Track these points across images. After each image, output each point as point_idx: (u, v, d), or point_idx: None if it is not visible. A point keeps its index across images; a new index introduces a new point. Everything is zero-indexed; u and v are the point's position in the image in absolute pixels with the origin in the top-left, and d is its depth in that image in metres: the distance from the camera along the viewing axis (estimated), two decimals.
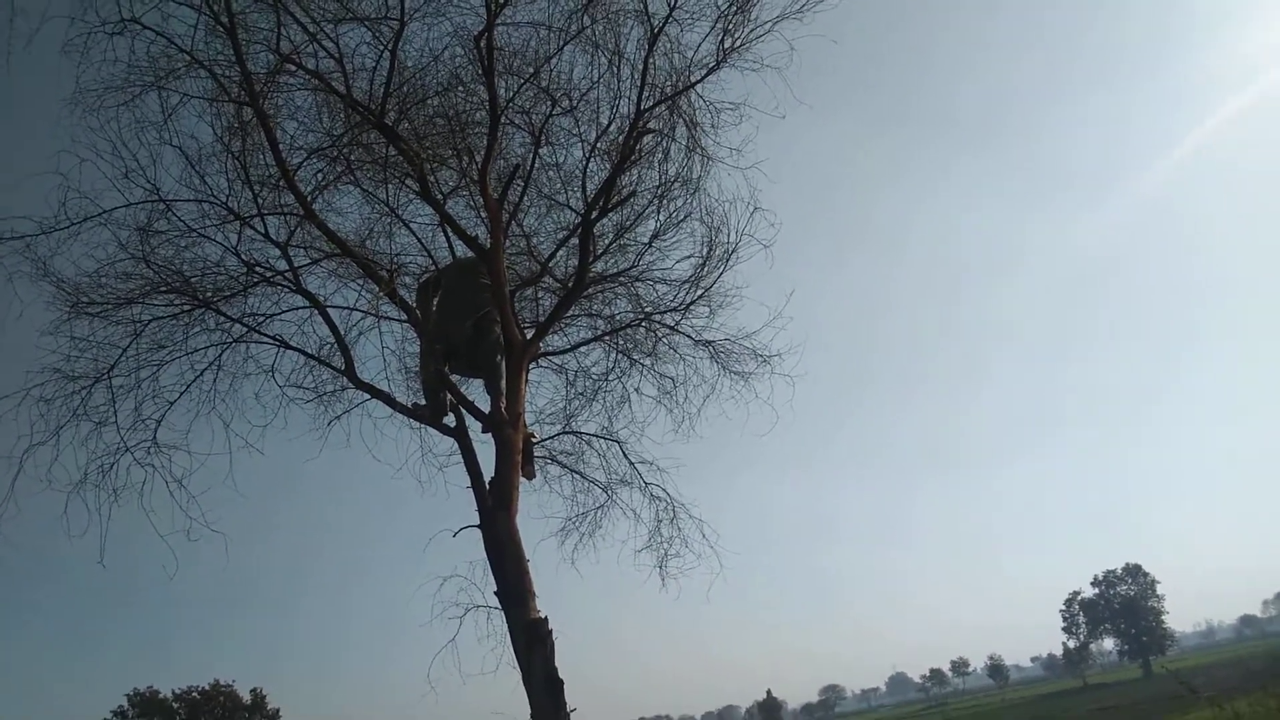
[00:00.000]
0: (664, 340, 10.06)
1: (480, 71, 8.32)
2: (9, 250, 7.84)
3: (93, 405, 8.28)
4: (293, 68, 8.25)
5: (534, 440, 8.92)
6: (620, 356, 10.26)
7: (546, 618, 7.17)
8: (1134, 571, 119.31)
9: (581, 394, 10.36)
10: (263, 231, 8.50)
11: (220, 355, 8.73)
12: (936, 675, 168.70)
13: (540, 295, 10.03)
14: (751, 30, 8.40)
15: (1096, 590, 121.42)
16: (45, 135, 7.97)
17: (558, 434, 10.24)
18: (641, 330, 10.07)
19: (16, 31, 7.04)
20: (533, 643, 7.02)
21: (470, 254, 8.64)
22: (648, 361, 10.19)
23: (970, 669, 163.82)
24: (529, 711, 6.96)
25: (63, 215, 7.89)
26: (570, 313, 9.64)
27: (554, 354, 10.15)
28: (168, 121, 8.05)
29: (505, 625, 7.23)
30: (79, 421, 8.20)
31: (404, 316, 9.04)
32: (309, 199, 8.41)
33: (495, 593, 7.34)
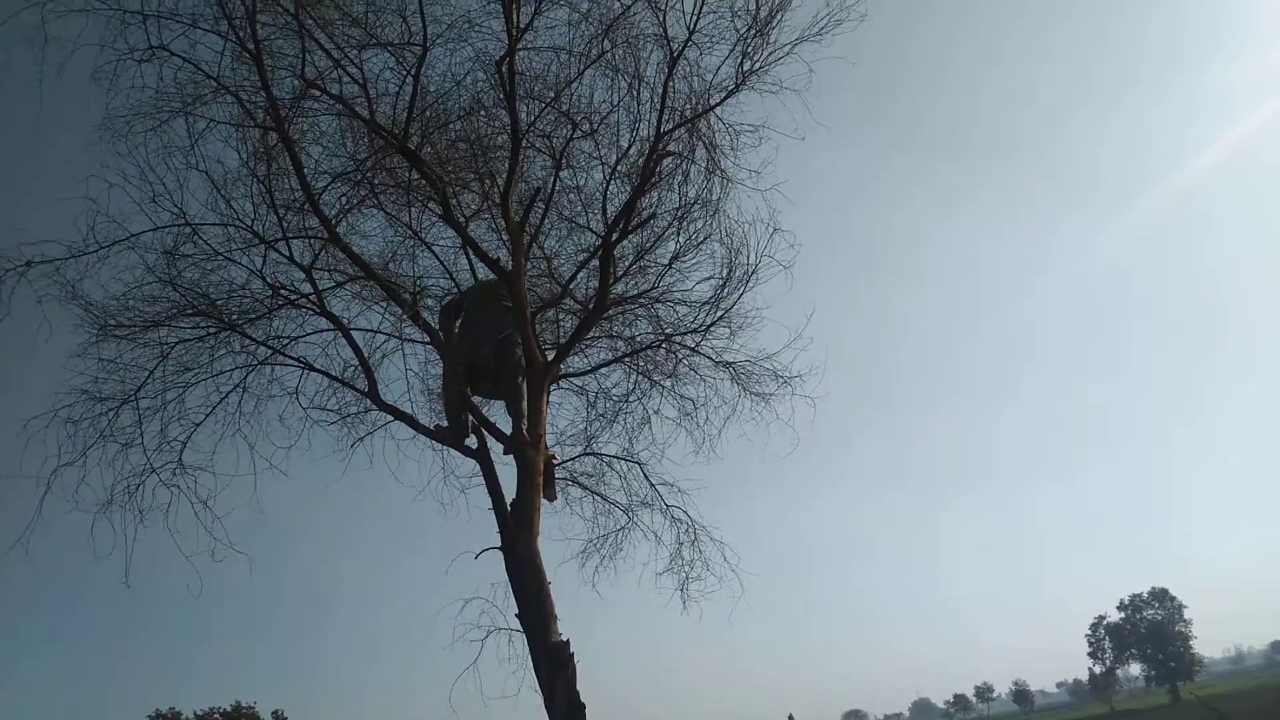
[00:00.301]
0: (684, 362, 10.05)
1: (502, 96, 8.40)
2: (39, 274, 7.95)
3: (119, 426, 8.37)
4: (317, 93, 8.36)
5: (555, 462, 8.92)
6: (641, 378, 10.27)
7: (568, 641, 7.13)
8: (1161, 596, 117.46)
9: (602, 415, 10.36)
10: (287, 255, 8.59)
11: (245, 377, 8.81)
12: (960, 700, 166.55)
13: (561, 317, 10.06)
14: (770, 53, 8.46)
15: (1122, 615, 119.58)
16: (75, 161, 8.12)
17: (579, 455, 10.23)
18: (662, 352, 10.07)
19: (49, 59, 7.19)
20: (554, 666, 6.99)
21: (492, 276, 8.69)
22: (668, 383, 10.19)
23: (995, 694, 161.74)
24: None
25: (91, 239, 8.02)
26: (591, 334, 9.66)
27: (575, 375, 10.16)
28: (194, 146, 8.19)
29: (527, 648, 7.21)
30: (106, 442, 8.30)
31: (427, 339, 9.09)
32: (333, 222, 8.50)
33: (517, 615, 7.32)
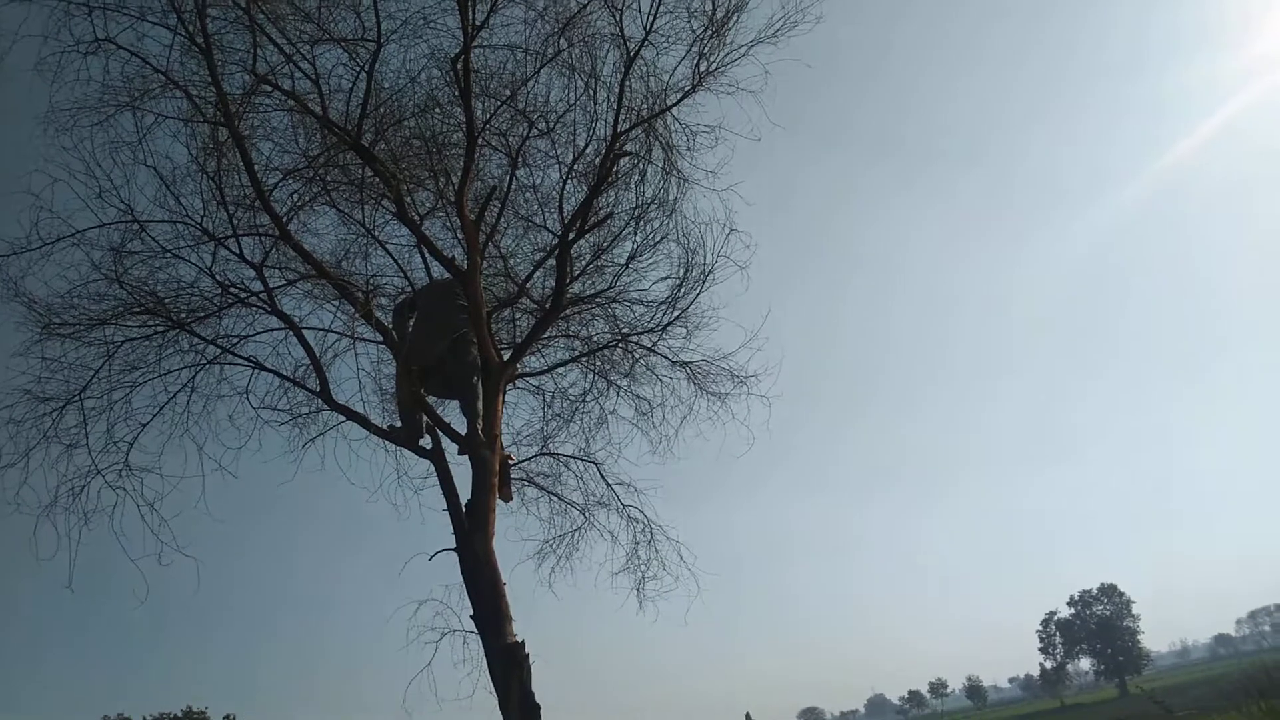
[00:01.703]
0: (641, 361, 10.07)
1: (457, 93, 8.35)
2: None
3: (64, 427, 8.22)
4: (269, 88, 8.26)
5: (511, 462, 8.88)
6: (597, 378, 10.27)
7: (524, 642, 7.11)
8: (1109, 591, 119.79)
9: (559, 415, 10.35)
10: (237, 252, 8.46)
11: (194, 377, 8.67)
12: (915, 697, 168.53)
13: (517, 316, 10.02)
14: (727, 54, 8.50)
15: (1073, 610, 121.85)
16: (17, 154, 7.94)
17: (535, 455, 10.21)
18: (619, 351, 10.08)
19: None
20: (510, 667, 6.96)
21: (447, 275, 8.64)
22: (625, 383, 10.20)
23: (949, 690, 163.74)
24: None
25: (35, 235, 7.86)
26: (547, 334, 9.63)
27: (531, 375, 10.14)
28: (142, 141, 8.04)
29: (482, 649, 7.17)
30: (49, 443, 8.15)
31: (380, 338, 9.00)
32: (284, 220, 8.39)
33: (471, 617, 7.28)
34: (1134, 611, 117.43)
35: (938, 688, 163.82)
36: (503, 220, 9.38)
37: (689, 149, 8.98)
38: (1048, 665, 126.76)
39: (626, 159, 8.98)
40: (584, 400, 10.29)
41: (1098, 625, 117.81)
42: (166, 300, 8.48)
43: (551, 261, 9.07)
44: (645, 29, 8.31)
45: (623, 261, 9.57)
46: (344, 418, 8.62)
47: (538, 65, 8.68)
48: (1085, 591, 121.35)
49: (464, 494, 7.81)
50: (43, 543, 7.89)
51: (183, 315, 8.53)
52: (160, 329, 8.49)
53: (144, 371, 8.53)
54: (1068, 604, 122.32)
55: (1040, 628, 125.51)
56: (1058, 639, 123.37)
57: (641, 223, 9.34)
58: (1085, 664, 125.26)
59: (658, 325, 9.70)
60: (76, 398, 8.26)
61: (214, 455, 8.56)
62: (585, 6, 8.49)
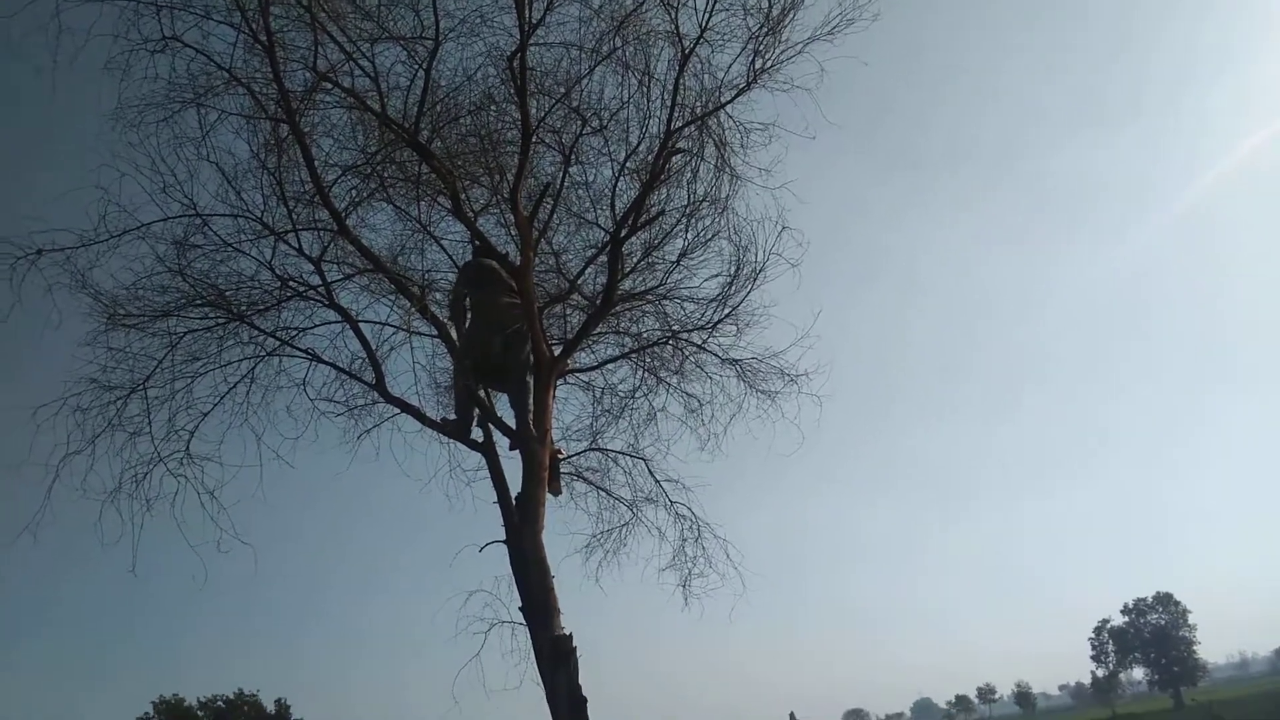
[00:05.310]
0: (691, 358, 10.06)
1: (512, 91, 8.41)
2: (49, 262, 7.97)
3: (128, 416, 8.40)
4: (329, 86, 8.38)
5: (560, 457, 8.93)
6: (647, 374, 10.28)
7: (571, 634, 7.15)
8: (1165, 600, 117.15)
9: (608, 411, 10.38)
10: (297, 247, 8.60)
11: (253, 368, 8.82)
12: (962, 701, 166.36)
13: (568, 312, 10.06)
14: (782, 51, 8.46)
15: (1126, 619, 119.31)
16: (87, 150, 8.14)
17: (584, 451, 10.25)
18: (668, 348, 10.08)
19: (62, 49, 7.22)
20: (557, 660, 7.00)
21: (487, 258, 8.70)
22: (674, 380, 10.19)
23: (997, 696, 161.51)
24: None
25: (102, 228, 8.04)
26: (598, 330, 9.66)
27: (581, 371, 10.18)
28: (205, 138, 8.20)
29: (529, 642, 7.23)
30: (114, 431, 8.33)
31: (435, 332, 9.11)
32: (343, 215, 8.51)
33: (520, 609, 7.34)
34: (1190, 621, 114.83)
35: (986, 693, 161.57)
36: (555, 217, 9.42)
37: (742, 146, 8.96)
38: (1099, 674, 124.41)
39: (679, 156, 8.98)
40: (633, 396, 10.32)
41: (1152, 634, 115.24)
42: (227, 293, 8.64)
43: (603, 258, 9.10)
44: (701, 26, 8.29)
45: (674, 259, 9.57)
46: (399, 410, 8.73)
47: (592, 63, 8.71)
48: (1140, 600, 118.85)
49: (514, 487, 7.88)
50: (108, 528, 8.12)
51: (243, 308, 8.69)
52: (221, 321, 8.65)
53: (205, 362, 8.71)
54: (1121, 612, 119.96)
55: (1093, 635, 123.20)
56: (1110, 647, 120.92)
57: (693, 220, 9.34)
58: (1139, 673, 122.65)
59: (708, 322, 9.68)
60: (140, 387, 8.45)
61: (272, 445, 8.73)
62: (641, 4, 8.51)
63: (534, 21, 8.25)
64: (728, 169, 9.06)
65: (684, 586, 9.89)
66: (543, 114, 8.75)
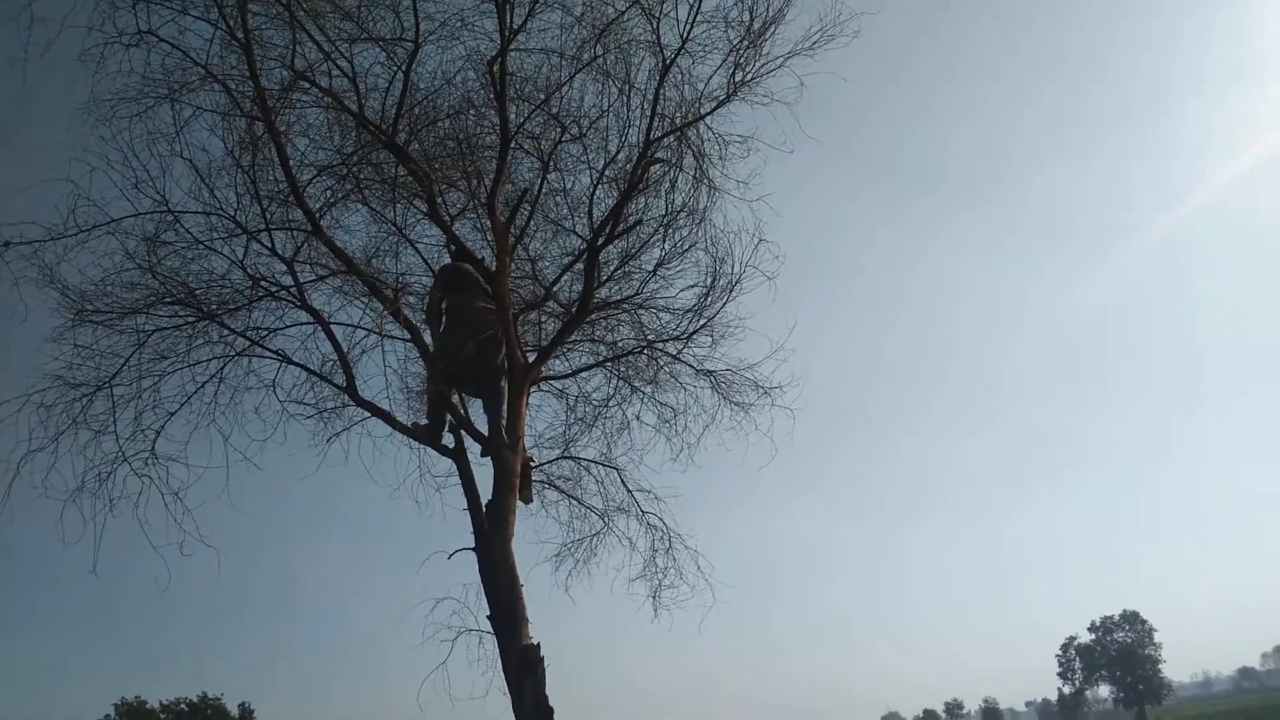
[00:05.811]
0: (665, 368, 10.05)
1: (492, 96, 8.41)
2: (16, 255, 7.89)
3: (93, 413, 8.28)
4: (306, 85, 8.33)
5: (532, 464, 8.89)
6: (621, 383, 10.25)
7: (539, 644, 7.10)
8: (1131, 618, 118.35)
9: (581, 419, 10.34)
10: (269, 246, 8.52)
11: (222, 368, 8.73)
12: (930, 716, 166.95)
13: (543, 319, 10.04)
14: (763, 65, 8.49)
15: (1093, 636, 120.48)
16: (57, 143, 8.04)
17: (556, 459, 10.21)
18: (643, 358, 10.07)
19: (34, 39, 7.13)
20: (524, 669, 6.95)
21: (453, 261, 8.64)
22: (648, 389, 10.18)
23: (965, 711, 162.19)
24: None
25: (71, 222, 7.95)
26: (573, 338, 9.64)
27: (555, 378, 10.14)
28: (179, 134, 8.13)
29: (497, 650, 7.18)
30: (78, 429, 8.21)
31: (407, 336, 9.04)
32: (317, 215, 8.45)
33: (488, 617, 7.29)
34: (1156, 640, 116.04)
35: (953, 708, 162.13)
36: (532, 223, 9.41)
37: (721, 158, 8.99)
38: (1066, 690, 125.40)
39: (658, 166, 8.98)
40: (607, 405, 10.29)
41: (1118, 652, 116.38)
42: (198, 291, 8.55)
43: (579, 266, 9.08)
44: (682, 37, 8.31)
45: (650, 268, 9.57)
46: (369, 414, 8.65)
47: (573, 70, 8.71)
48: (1107, 618, 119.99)
49: (485, 494, 7.83)
50: (69, 527, 7.98)
51: (213, 307, 8.60)
52: (191, 319, 8.56)
53: (173, 361, 8.60)
54: (1088, 629, 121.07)
55: (1060, 652, 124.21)
56: (1077, 664, 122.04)
57: (670, 230, 9.33)
58: (1104, 691, 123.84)
59: (683, 333, 9.67)
60: (106, 385, 8.33)
61: (239, 447, 8.61)
62: (623, 13, 8.52)
63: (515, 27, 8.24)
64: (706, 180, 9.08)
65: (654, 597, 9.87)
66: (522, 120, 8.75)
